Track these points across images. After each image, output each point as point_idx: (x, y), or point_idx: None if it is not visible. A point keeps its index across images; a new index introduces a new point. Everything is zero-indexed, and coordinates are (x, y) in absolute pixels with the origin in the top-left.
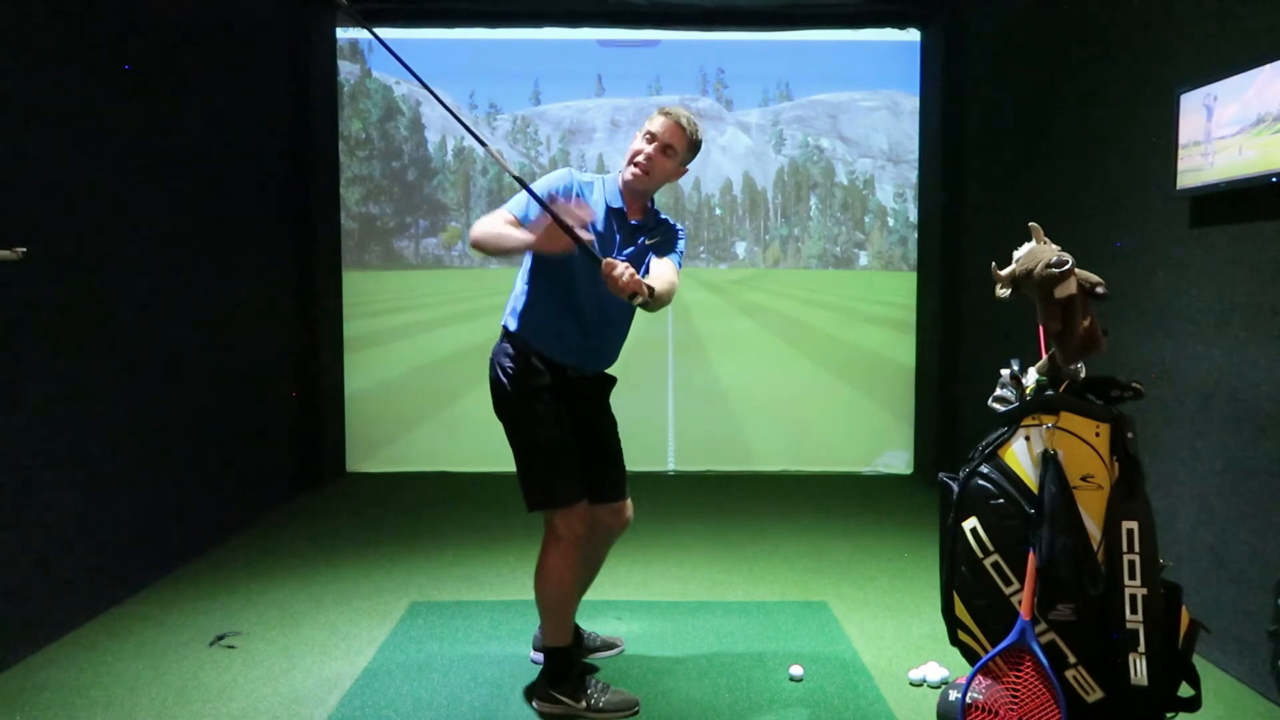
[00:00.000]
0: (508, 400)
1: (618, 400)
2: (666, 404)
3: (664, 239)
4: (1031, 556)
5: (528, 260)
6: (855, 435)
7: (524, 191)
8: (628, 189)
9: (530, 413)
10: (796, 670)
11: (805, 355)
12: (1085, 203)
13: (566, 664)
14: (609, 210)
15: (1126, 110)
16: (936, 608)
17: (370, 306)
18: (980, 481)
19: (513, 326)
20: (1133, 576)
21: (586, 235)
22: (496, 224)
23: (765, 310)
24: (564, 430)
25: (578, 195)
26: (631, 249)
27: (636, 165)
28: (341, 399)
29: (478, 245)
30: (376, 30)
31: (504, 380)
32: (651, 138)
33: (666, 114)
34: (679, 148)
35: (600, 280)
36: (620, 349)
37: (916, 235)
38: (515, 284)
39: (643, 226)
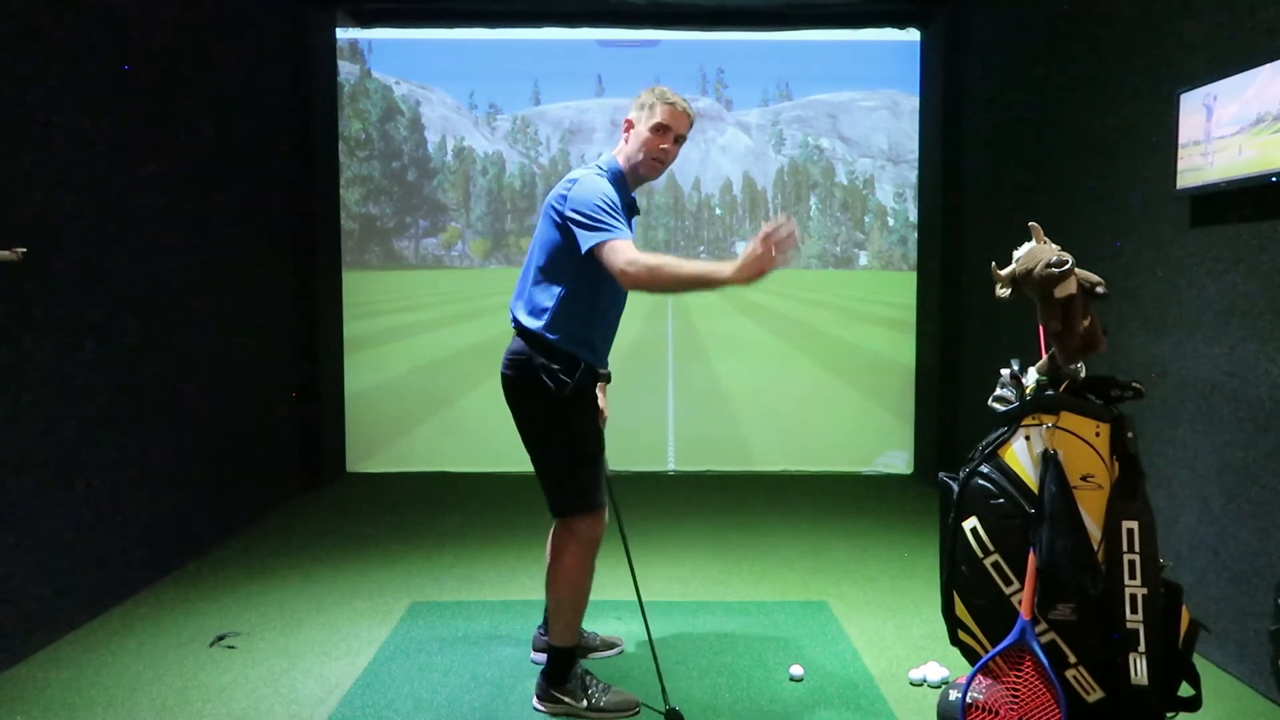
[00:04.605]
0: (551, 406)
1: (618, 400)
2: (666, 404)
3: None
4: (1031, 556)
5: (560, 266)
6: (855, 435)
7: (601, 209)
8: (638, 179)
9: (574, 419)
10: (796, 670)
11: (805, 355)
12: (1085, 203)
13: (570, 664)
14: (623, 204)
15: (1126, 110)
16: (936, 608)
17: (370, 306)
18: (980, 481)
19: (553, 335)
20: (1133, 576)
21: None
22: (657, 260)
23: (765, 310)
24: (598, 435)
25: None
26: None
27: (657, 160)
28: (341, 399)
29: (649, 287)
30: (376, 30)
31: (551, 385)
32: (664, 129)
33: (669, 103)
34: (686, 134)
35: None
36: None
37: (916, 235)
38: (539, 292)
39: (636, 204)
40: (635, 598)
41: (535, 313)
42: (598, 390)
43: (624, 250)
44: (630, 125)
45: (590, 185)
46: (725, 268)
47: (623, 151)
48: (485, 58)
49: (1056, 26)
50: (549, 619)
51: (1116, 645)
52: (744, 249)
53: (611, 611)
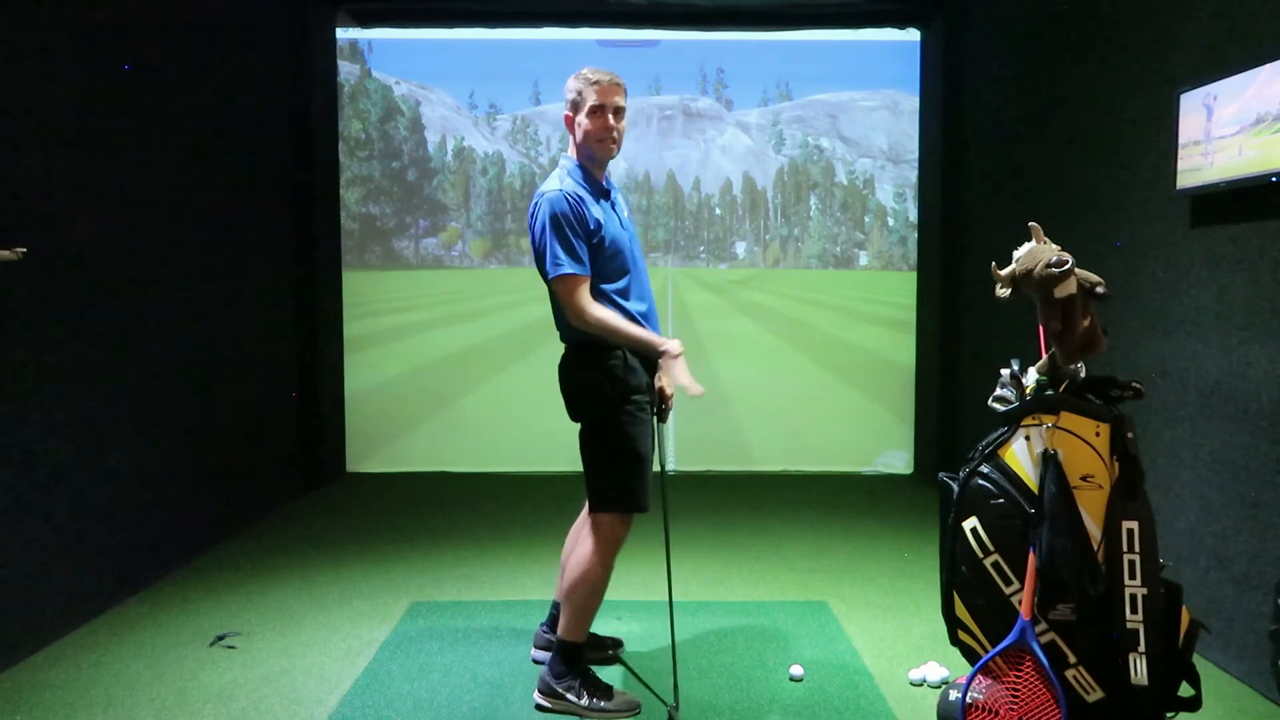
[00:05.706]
0: (607, 403)
1: None
2: None
3: (623, 201)
4: (1031, 556)
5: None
6: (855, 435)
7: (555, 240)
8: (598, 165)
9: (630, 417)
10: (796, 670)
11: (805, 355)
12: (1085, 203)
13: (576, 660)
14: (598, 195)
15: (1126, 110)
16: (936, 608)
17: (370, 306)
18: (980, 481)
19: (588, 336)
20: (1133, 576)
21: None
22: (609, 317)
23: (765, 310)
24: (650, 438)
25: (579, 204)
26: (626, 215)
27: (606, 140)
28: (341, 399)
29: (593, 332)
30: (376, 30)
31: (605, 383)
32: (599, 110)
33: (595, 82)
34: (624, 103)
35: (639, 256)
36: None
37: (916, 235)
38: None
39: (612, 188)
40: (637, 599)
41: (567, 321)
42: (675, 365)
43: (582, 292)
44: (570, 120)
45: (545, 210)
46: (662, 343)
47: (573, 146)
48: (485, 58)
49: (1056, 26)
50: (560, 612)
51: (1116, 645)
52: (683, 375)
53: (611, 611)
